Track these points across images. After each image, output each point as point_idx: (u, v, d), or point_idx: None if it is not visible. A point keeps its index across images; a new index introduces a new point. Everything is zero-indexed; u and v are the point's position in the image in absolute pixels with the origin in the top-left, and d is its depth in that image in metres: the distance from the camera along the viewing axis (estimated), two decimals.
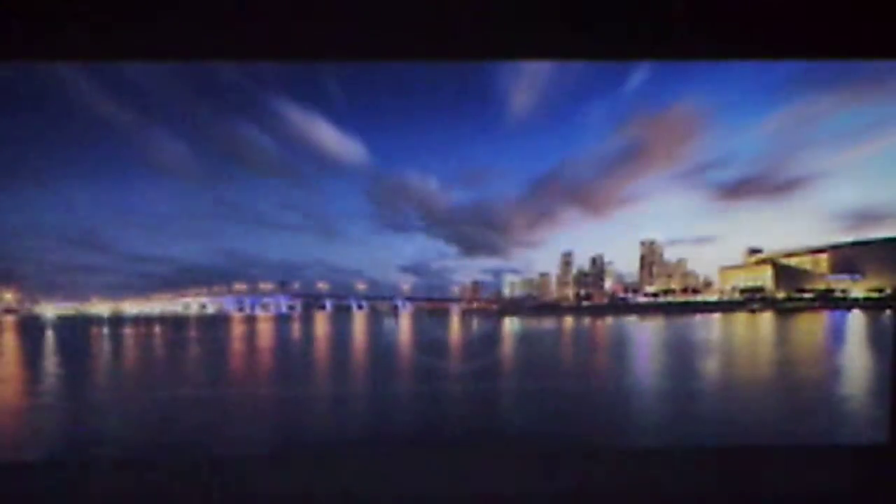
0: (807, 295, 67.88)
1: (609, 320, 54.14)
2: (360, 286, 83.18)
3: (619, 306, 75.52)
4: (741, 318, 54.88)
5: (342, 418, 10.21)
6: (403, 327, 45.97)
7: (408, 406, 11.50)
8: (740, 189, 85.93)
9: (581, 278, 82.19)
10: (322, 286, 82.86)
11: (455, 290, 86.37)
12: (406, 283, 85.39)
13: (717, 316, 58.79)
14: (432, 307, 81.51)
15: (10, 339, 35.25)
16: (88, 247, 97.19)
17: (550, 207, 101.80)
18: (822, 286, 68.40)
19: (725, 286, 73.87)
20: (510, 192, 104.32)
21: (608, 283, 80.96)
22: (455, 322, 56.64)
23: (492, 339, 32.42)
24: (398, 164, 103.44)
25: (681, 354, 21.90)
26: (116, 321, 61.71)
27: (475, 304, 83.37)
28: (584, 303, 79.06)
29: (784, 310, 63.63)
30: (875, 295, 64.89)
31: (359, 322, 55.18)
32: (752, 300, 68.79)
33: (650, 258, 79.61)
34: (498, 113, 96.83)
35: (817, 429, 9.14)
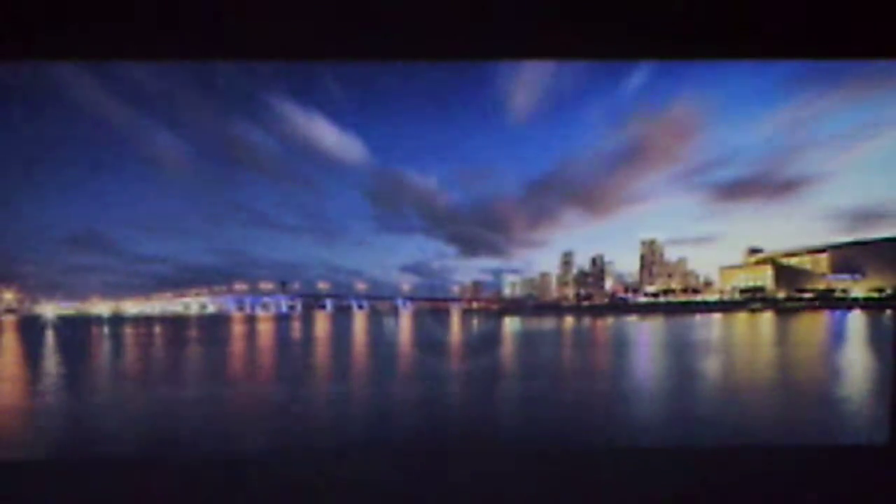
0: (807, 295, 67.84)
1: (609, 320, 54.10)
2: (361, 286, 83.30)
3: (620, 306, 75.48)
4: (741, 318, 54.83)
5: (342, 418, 10.22)
6: (404, 327, 45.96)
7: (408, 406, 11.50)
8: (740, 189, 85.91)
9: (581, 278, 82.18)
10: (322, 286, 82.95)
11: (455, 290, 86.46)
12: (406, 283, 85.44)
13: (717, 316, 58.72)
14: (433, 307, 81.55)
15: (11, 339, 35.26)
16: (88, 247, 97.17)
17: (550, 207, 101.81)
18: (822, 286, 68.36)
19: (725, 286, 73.82)
20: (510, 192, 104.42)
21: (608, 283, 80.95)
22: (455, 322, 56.61)
23: (492, 339, 32.44)
24: (398, 164, 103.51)
25: (681, 354, 21.90)
26: (117, 321, 61.71)
27: (475, 304, 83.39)
28: (585, 303, 79.03)
29: (784, 310, 63.59)
30: (875, 295, 64.86)
31: (359, 322, 55.16)
32: (752, 300, 68.75)
33: (650, 258, 79.57)
34: (498, 113, 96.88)
35: (817, 429, 9.13)
